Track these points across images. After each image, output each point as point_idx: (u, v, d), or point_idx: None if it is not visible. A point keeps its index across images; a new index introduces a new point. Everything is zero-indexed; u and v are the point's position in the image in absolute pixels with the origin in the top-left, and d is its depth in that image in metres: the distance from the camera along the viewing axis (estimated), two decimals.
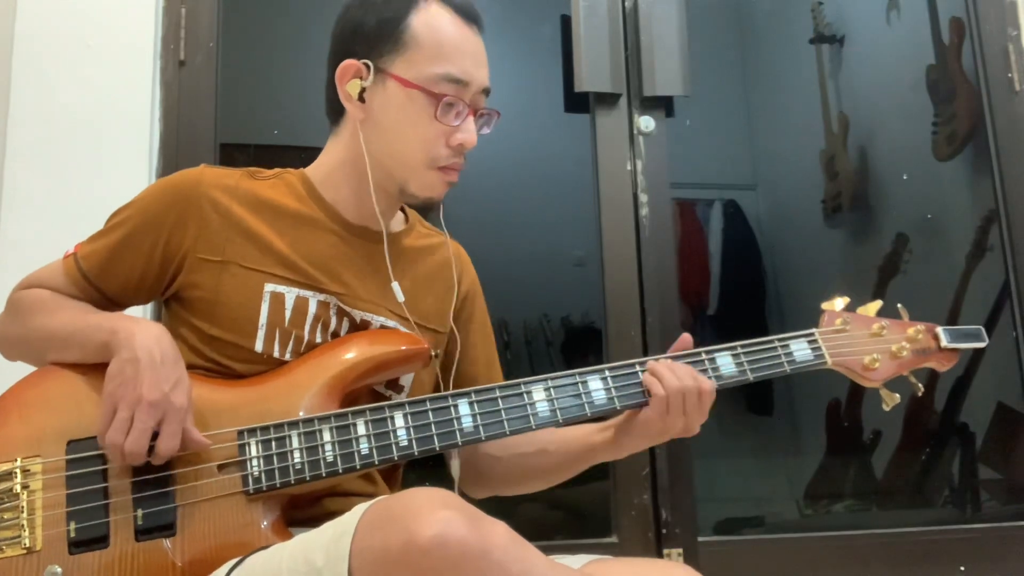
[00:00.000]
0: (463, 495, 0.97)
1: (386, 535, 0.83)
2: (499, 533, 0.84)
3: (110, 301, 1.22)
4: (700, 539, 1.95)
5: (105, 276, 1.20)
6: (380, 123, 1.19)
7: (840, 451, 2.92)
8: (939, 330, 1.27)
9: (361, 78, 1.18)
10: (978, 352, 2.54)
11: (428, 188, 1.20)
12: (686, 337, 1.21)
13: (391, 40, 1.16)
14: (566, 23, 2.17)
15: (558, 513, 2.45)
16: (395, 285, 1.22)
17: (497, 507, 0.88)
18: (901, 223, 2.90)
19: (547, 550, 0.89)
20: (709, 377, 1.18)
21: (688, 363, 1.18)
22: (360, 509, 0.88)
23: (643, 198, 2.07)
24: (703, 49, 2.29)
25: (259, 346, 1.15)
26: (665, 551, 1.90)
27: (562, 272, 3.06)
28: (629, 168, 2.08)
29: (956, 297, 2.61)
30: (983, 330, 1.28)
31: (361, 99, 1.18)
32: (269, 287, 1.16)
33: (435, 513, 0.82)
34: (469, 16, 1.19)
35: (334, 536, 0.87)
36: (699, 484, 1.99)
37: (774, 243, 3.49)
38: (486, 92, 1.20)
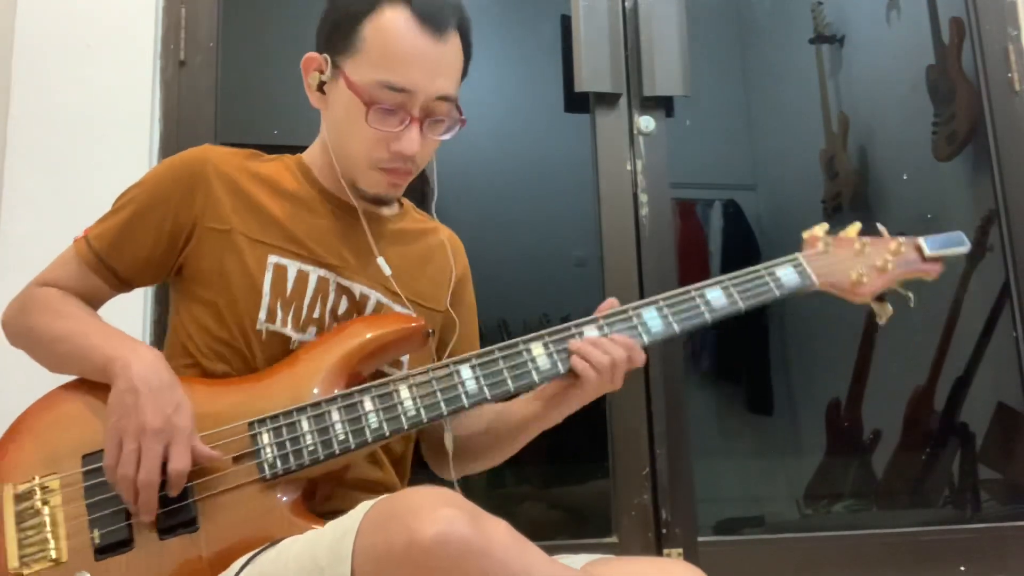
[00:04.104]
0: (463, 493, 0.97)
1: (388, 534, 0.83)
2: (500, 532, 0.84)
3: (122, 281, 1.24)
4: (700, 539, 1.95)
5: (117, 254, 1.22)
6: (333, 117, 1.22)
7: (840, 451, 2.91)
8: (921, 240, 1.28)
9: (321, 71, 1.21)
10: (978, 352, 2.55)
11: (374, 185, 1.22)
12: (611, 301, 1.21)
13: (346, 39, 1.18)
14: (566, 23, 2.17)
15: (558, 513, 2.45)
16: (380, 260, 1.24)
17: (497, 507, 0.88)
18: (901, 223, 2.89)
19: (548, 550, 0.89)
20: (702, 312, 1.19)
21: (682, 300, 1.19)
22: (363, 508, 0.89)
23: (643, 198, 2.07)
24: (703, 49, 2.29)
25: (262, 315, 1.17)
26: (665, 551, 1.90)
27: (562, 272, 3.06)
28: (629, 168, 2.08)
29: (956, 297, 2.61)
30: (964, 235, 1.29)
31: (322, 91, 1.22)
32: (272, 259, 1.20)
33: (437, 511, 0.82)
34: (433, 23, 1.16)
35: (337, 535, 0.88)
36: (699, 484, 1.99)
37: (774, 243, 3.49)
38: (447, 99, 1.19)
